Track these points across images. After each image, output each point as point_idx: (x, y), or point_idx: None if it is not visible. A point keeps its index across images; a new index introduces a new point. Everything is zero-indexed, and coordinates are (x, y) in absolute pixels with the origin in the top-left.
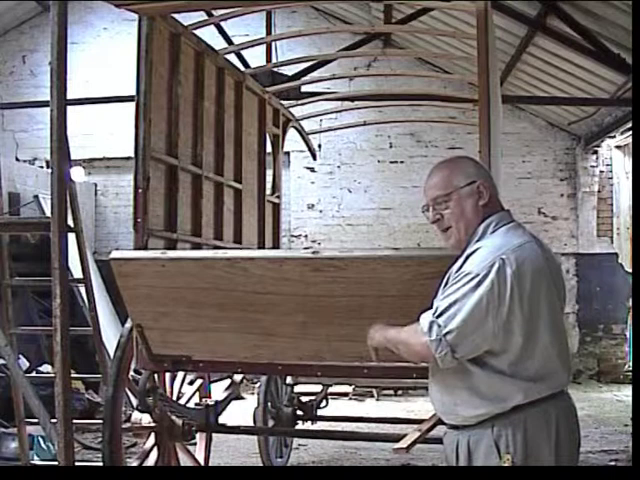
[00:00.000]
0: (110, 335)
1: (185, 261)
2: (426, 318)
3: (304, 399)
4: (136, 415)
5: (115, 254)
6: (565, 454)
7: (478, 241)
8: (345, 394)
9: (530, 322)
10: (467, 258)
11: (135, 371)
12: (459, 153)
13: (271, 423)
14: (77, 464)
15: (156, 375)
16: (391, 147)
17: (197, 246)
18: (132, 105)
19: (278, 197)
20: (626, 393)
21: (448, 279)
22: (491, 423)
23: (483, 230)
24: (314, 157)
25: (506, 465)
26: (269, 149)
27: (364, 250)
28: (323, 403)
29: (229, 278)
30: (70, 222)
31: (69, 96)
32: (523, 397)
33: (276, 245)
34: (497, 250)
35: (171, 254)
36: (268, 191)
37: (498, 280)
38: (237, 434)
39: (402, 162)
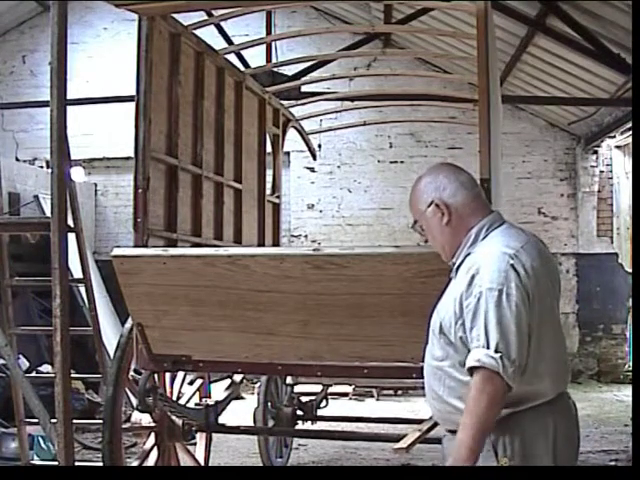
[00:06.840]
0: (110, 335)
1: (186, 258)
2: (485, 360)
3: (304, 399)
4: (136, 415)
5: (117, 251)
6: (564, 456)
7: (471, 247)
8: (345, 394)
9: (539, 326)
10: (468, 269)
11: (135, 371)
12: (459, 153)
13: (271, 423)
14: (77, 464)
15: (156, 375)
16: (391, 147)
17: (197, 246)
18: (132, 105)
19: (278, 197)
20: (626, 393)
21: (461, 304)
22: None
23: (475, 235)
24: (314, 157)
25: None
26: (269, 149)
27: (365, 247)
28: (323, 403)
29: (230, 275)
30: (70, 222)
31: (69, 96)
32: (519, 404)
33: (276, 245)
34: (502, 256)
35: (172, 251)
36: (268, 191)
37: (518, 284)
38: (237, 434)
39: (402, 162)
